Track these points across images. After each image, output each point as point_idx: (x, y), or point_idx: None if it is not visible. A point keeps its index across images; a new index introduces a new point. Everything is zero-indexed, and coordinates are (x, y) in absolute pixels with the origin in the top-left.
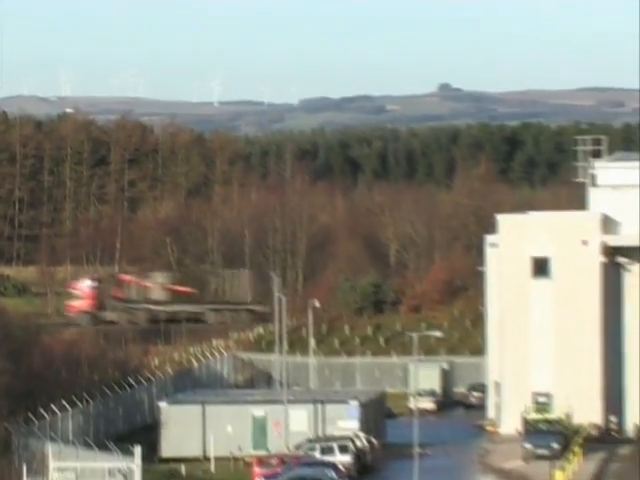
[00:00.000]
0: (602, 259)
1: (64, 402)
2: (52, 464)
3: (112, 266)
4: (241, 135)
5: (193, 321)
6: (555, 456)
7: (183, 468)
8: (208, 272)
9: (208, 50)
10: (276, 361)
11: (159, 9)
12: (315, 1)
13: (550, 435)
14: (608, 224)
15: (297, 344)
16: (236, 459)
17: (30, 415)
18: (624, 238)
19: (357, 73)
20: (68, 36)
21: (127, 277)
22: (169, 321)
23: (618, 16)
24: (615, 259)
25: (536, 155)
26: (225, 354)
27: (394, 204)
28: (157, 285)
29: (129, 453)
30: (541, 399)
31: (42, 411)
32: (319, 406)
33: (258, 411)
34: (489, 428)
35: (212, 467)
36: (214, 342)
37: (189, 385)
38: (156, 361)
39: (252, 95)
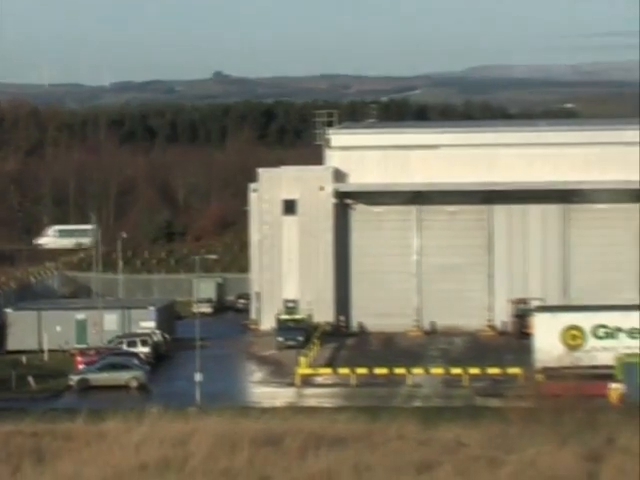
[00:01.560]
0: (334, 201)
1: None
2: None
3: None
4: (67, 109)
5: None
6: (300, 346)
7: (24, 358)
8: None
9: (42, 40)
10: (93, 278)
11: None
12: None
13: (296, 330)
14: (339, 175)
15: (109, 265)
16: (64, 351)
17: None
18: (350, 185)
19: (153, 62)
20: None
21: None
22: None
23: (347, 15)
24: (344, 201)
25: (286, 124)
26: (55, 273)
27: (182, 161)
28: None
29: None
30: (290, 304)
31: None
32: (126, 311)
33: (80, 315)
34: (252, 326)
35: (46, 357)
36: (47, 264)
37: (28, 296)
38: (3, 278)
39: (75, 78)
